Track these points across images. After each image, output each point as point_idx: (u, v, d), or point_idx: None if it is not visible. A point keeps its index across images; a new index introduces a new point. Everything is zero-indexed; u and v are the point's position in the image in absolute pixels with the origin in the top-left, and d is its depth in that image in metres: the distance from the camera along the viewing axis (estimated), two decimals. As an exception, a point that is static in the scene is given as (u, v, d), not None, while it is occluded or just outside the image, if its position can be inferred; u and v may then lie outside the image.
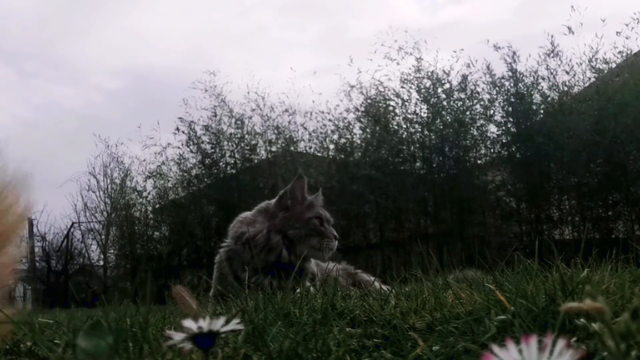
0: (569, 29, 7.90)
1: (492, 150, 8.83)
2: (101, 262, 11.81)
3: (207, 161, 10.04)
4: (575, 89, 8.31)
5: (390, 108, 9.09)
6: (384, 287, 1.63)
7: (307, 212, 2.30)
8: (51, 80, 21.42)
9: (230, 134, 9.89)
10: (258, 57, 19.15)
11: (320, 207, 2.39)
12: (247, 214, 2.40)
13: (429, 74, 8.73)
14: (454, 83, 8.69)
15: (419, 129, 8.88)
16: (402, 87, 8.87)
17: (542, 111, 8.39)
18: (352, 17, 19.50)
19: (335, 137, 9.55)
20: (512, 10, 16.01)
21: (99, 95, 20.80)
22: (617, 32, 7.84)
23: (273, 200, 2.41)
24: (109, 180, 11.40)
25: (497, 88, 8.45)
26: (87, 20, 21.09)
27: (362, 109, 9.21)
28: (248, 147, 9.89)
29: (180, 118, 9.85)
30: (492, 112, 8.61)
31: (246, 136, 9.88)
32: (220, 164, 9.99)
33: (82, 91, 20.80)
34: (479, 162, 8.84)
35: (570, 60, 8.15)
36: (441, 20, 17.09)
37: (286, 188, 2.38)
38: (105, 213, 11.52)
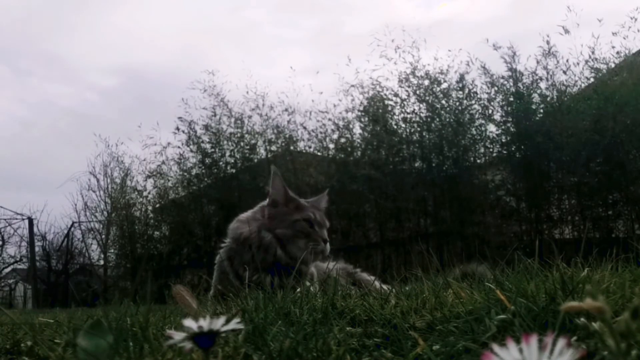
0: (565, 29, 7.88)
1: (491, 149, 8.81)
2: (101, 262, 11.84)
3: (207, 161, 10.04)
4: (574, 89, 8.30)
5: (389, 107, 9.07)
6: (384, 287, 1.63)
7: (296, 214, 2.27)
8: (45, 79, 21.39)
9: (230, 133, 9.89)
10: (253, 55, 19.15)
11: (317, 208, 2.38)
12: (245, 214, 2.40)
13: (427, 73, 8.72)
14: (453, 82, 8.69)
15: (418, 129, 8.87)
16: (400, 86, 8.86)
17: (541, 110, 8.37)
18: (347, 13, 19.50)
19: (335, 136, 9.53)
20: (508, 7, 15.92)
21: (94, 93, 20.79)
22: (613, 33, 7.83)
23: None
24: (109, 180, 11.42)
25: (496, 87, 8.43)
26: (76, 16, 20.99)
27: (361, 108, 9.20)
28: (248, 147, 9.88)
29: (180, 117, 9.86)
30: (491, 111, 8.60)
31: (246, 136, 9.87)
32: (220, 163, 9.99)
33: (77, 90, 20.79)
34: (478, 161, 8.82)
35: (568, 60, 8.15)
36: (436, 17, 17.05)
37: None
38: (105, 212, 11.53)
